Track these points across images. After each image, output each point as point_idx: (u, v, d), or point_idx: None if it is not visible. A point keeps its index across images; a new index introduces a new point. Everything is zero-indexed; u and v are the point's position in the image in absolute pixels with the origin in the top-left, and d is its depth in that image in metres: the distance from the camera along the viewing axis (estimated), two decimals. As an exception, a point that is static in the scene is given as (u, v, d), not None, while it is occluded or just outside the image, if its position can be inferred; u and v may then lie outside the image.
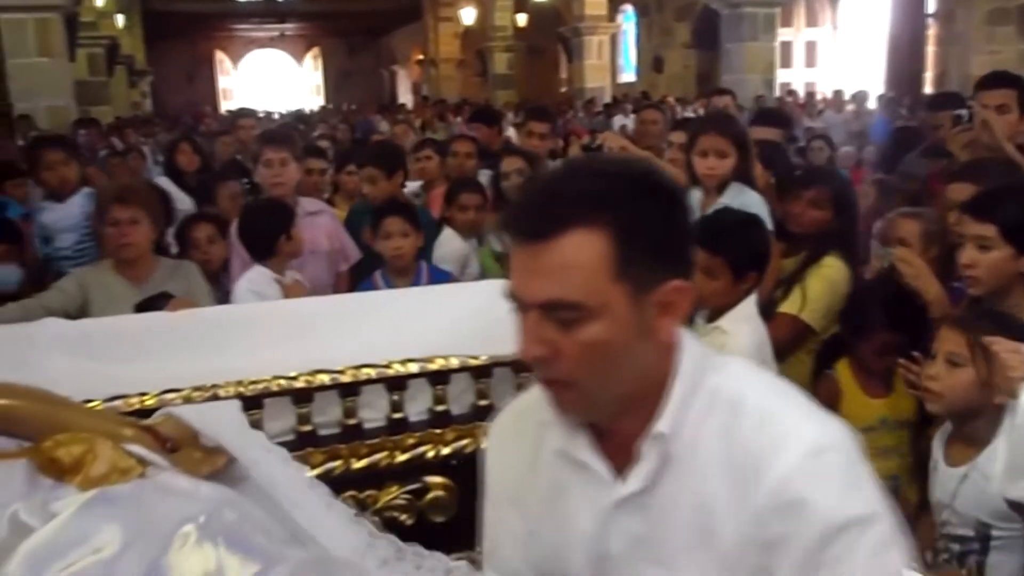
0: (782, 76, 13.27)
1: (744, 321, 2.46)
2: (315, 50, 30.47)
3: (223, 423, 1.48)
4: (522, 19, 20.79)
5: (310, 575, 1.21)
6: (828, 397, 2.47)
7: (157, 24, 22.58)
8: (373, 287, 3.15)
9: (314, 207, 3.74)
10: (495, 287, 2.12)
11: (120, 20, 17.32)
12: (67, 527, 1.12)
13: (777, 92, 12.14)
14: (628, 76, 20.84)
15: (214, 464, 1.39)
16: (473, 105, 16.22)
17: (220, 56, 29.56)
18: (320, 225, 3.64)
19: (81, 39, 11.86)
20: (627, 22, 20.54)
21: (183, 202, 4.61)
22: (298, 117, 17.04)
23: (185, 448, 1.40)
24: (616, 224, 1.03)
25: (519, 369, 1.99)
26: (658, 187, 1.09)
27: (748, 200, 3.00)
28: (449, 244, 3.68)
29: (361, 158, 4.34)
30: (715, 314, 2.51)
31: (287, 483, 1.48)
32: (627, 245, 1.03)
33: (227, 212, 3.97)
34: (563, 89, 21.29)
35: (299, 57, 30.67)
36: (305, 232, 3.29)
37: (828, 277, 2.83)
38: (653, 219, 1.06)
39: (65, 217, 4.18)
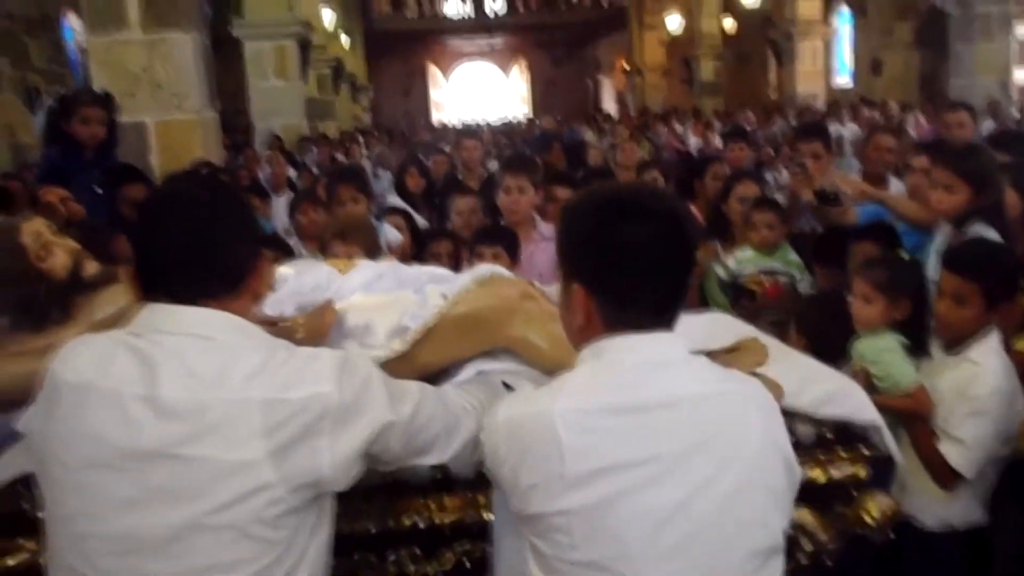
0: (1020, 76, 12.22)
1: (995, 354, 2.41)
2: (521, 61, 31.21)
3: None
4: (730, 25, 20.34)
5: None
6: None
7: (377, 42, 23.98)
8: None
9: (550, 232, 3.70)
10: (722, 320, 2.12)
11: (345, 41, 18.50)
12: (355, 274, 2.06)
13: (1015, 95, 11.21)
14: (843, 79, 19.87)
15: None
16: (681, 113, 16.09)
17: (432, 70, 30.91)
18: (553, 250, 3.61)
19: (312, 60, 12.81)
20: (842, 24, 19.60)
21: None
22: (508, 128, 17.47)
23: None
24: None
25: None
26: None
27: None
28: None
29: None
30: (954, 344, 2.49)
31: None
32: None
33: (459, 229, 4.05)
34: (772, 95, 20.63)
35: (506, 68, 31.53)
36: (537, 257, 3.38)
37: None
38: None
39: None
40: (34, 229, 2.03)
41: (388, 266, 2.24)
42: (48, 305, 1.96)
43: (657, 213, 1.37)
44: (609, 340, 1.37)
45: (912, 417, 2.43)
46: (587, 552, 1.29)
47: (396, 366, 1.56)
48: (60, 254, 2.01)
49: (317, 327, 1.83)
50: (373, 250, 3.12)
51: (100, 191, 4.00)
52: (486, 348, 1.91)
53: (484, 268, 2.00)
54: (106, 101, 4.36)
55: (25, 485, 1.82)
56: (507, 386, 1.85)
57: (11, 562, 1.78)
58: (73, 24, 14.79)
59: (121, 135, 4.65)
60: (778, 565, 1.40)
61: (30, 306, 1.96)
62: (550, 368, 1.81)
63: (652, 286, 1.37)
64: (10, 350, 1.86)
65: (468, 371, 1.89)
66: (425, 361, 1.83)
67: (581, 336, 1.42)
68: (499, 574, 1.65)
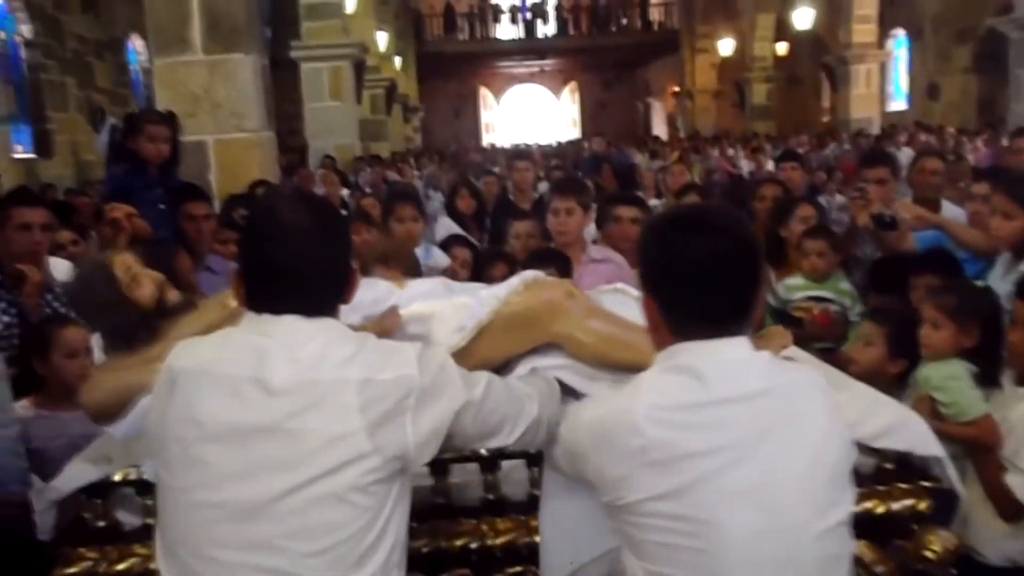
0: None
1: None
2: (572, 84, 31.32)
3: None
4: (782, 48, 20.20)
5: None
6: None
7: (429, 64, 24.26)
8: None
9: (600, 255, 3.70)
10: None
11: (398, 62, 18.75)
12: (411, 288, 2.19)
13: (1077, 121, 10.92)
14: (898, 104, 19.60)
15: None
16: (732, 137, 16.00)
17: (484, 92, 31.16)
18: (602, 273, 3.50)
19: (365, 82, 13.00)
20: (898, 48, 19.35)
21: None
22: (558, 151, 17.47)
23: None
24: None
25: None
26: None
27: None
28: None
29: None
30: None
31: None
32: None
33: (516, 252, 3.97)
34: (825, 119, 20.42)
35: (557, 91, 31.65)
36: (586, 279, 3.37)
37: None
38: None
39: None
40: (124, 263, 2.26)
41: (440, 281, 2.40)
42: (137, 329, 2.15)
43: (717, 231, 1.46)
44: (681, 346, 1.48)
45: (978, 448, 2.37)
46: (676, 535, 1.39)
47: (457, 361, 1.64)
48: (147, 284, 2.24)
49: (383, 331, 1.93)
50: (413, 274, 3.17)
51: (163, 208, 4.09)
52: (536, 344, 2.03)
53: (530, 272, 2.15)
54: (170, 120, 4.47)
55: (88, 496, 1.87)
56: (560, 383, 1.94)
57: (73, 570, 1.82)
58: (137, 46, 15.24)
59: (183, 153, 4.77)
60: (849, 540, 1.49)
61: (122, 330, 2.19)
62: (593, 361, 1.96)
63: (706, 300, 1.46)
64: (111, 365, 2.08)
65: (523, 368, 2.01)
66: (482, 357, 1.95)
67: (653, 339, 1.56)
68: (545, 536, 1.75)
